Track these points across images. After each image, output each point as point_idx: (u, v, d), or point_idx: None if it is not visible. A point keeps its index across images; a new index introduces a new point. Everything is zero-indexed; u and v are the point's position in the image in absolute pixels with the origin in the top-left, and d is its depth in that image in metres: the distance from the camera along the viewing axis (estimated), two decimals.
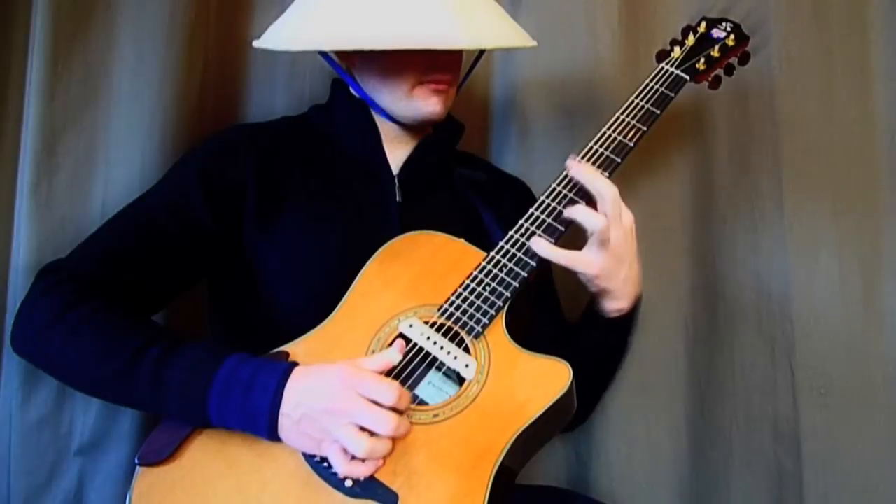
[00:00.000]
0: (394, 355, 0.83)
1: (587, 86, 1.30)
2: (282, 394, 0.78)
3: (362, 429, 0.76)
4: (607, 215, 0.90)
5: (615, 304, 0.96)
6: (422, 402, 0.85)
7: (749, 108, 1.32)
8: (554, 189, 0.95)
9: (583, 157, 0.97)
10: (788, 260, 1.28)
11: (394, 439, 0.78)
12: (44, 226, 1.04)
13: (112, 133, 1.09)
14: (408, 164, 1.06)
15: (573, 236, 0.94)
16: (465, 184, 1.11)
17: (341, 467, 0.77)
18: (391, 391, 0.77)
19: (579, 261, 0.92)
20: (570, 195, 0.94)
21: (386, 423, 0.76)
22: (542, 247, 0.91)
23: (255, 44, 1.01)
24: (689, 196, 1.32)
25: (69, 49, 1.06)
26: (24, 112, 1.06)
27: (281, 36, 1.00)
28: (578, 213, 0.91)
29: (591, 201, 0.93)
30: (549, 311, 1.12)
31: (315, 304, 0.91)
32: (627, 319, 0.99)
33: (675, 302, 1.31)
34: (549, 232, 0.93)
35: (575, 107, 1.29)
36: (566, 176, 0.96)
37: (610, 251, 0.91)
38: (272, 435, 0.79)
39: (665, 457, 1.28)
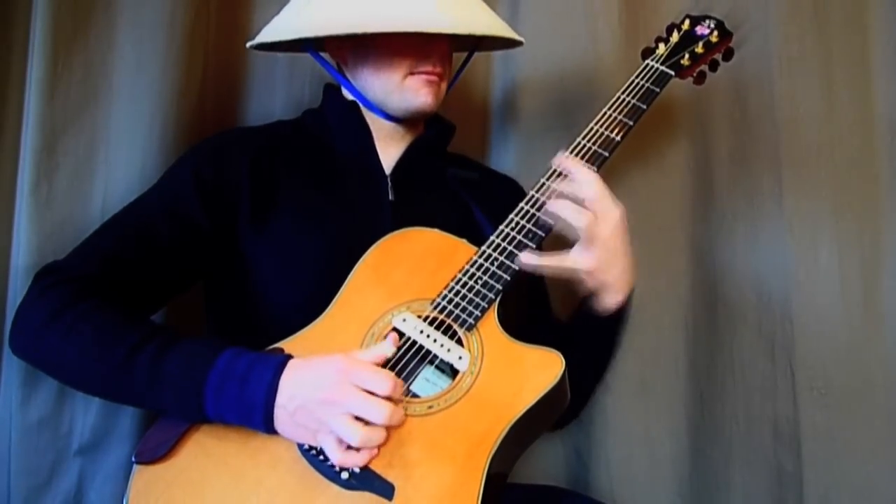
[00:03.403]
0: (387, 348, 0.84)
1: (586, 85, 1.30)
2: (277, 386, 0.79)
3: (357, 418, 0.77)
4: (594, 209, 0.91)
5: (613, 298, 0.96)
6: (416, 397, 0.85)
7: (749, 108, 1.32)
8: (543, 184, 0.96)
9: (571, 152, 0.98)
10: (788, 260, 1.28)
11: (388, 429, 0.79)
12: (44, 226, 1.04)
13: (112, 133, 1.09)
14: (400, 164, 1.07)
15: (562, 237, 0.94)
16: (457, 182, 1.11)
17: (336, 456, 0.77)
18: (386, 380, 0.78)
19: (571, 260, 0.92)
20: (559, 190, 0.95)
21: (380, 412, 0.77)
22: (530, 259, 0.91)
23: (249, 44, 1.02)
24: (689, 195, 1.32)
25: (69, 49, 1.06)
26: (24, 112, 1.06)
27: (273, 30, 1.02)
28: (563, 210, 0.91)
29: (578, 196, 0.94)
30: (537, 307, 1.13)
31: (309, 303, 0.91)
32: (622, 313, 0.99)
33: (675, 302, 1.31)
34: (538, 226, 0.93)
35: (574, 106, 1.29)
36: (554, 171, 0.97)
37: (602, 245, 0.91)
38: (268, 427, 0.79)
39: (665, 457, 1.29)
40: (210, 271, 1.02)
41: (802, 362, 1.26)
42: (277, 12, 1.04)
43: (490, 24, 1.03)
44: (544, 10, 1.30)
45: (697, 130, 1.33)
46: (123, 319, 0.85)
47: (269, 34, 1.02)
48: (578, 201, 0.92)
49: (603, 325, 0.99)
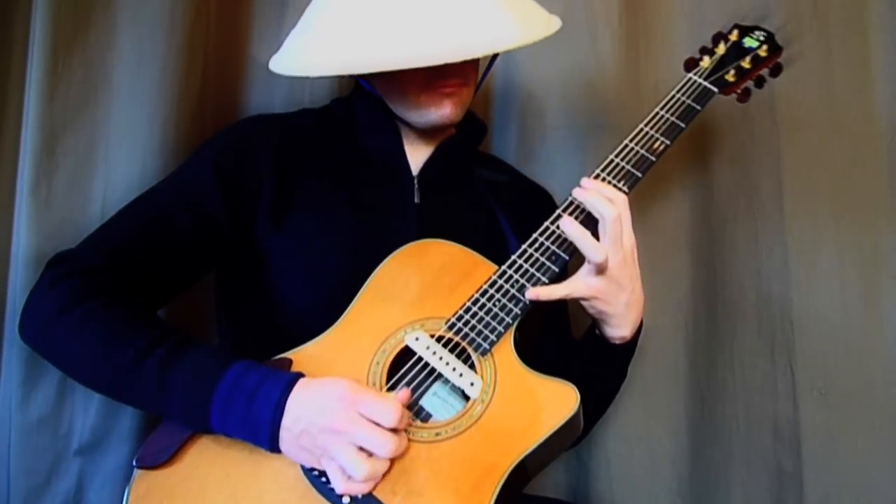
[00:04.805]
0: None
1: (587, 86, 1.29)
2: (284, 406, 0.77)
3: (361, 448, 0.75)
4: (608, 234, 0.87)
5: (617, 332, 0.93)
6: (426, 414, 0.84)
7: (749, 109, 1.31)
8: (571, 202, 0.92)
9: (602, 171, 0.94)
10: (788, 260, 1.28)
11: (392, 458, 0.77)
12: (44, 226, 1.04)
13: (112, 133, 1.09)
14: (428, 165, 1.04)
15: None
16: (485, 186, 1.08)
17: (339, 485, 0.75)
18: (393, 412, 0.76)
19: (575, 288, 0.89)
20: (587, 211, 0.90)
21: (385, 446, 0.75)
22: (535, 293, 0.87)
23: (272, 66, 0.97)
24: (689, 196, 1.32)
25: (69, 49, 1.06)
26: (24, 112, 1.06)
27: (288, 62, 0.96)
28: (579, 241, 0.87)
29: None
30: (555, 330, 1.08)
31: (326, 306, 0.89)
32: (629, 347, 0.97)
33: (675, 302, 1.31)
34: (563, 248, 0.90)
35: (575, 107, 1.29)
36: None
37: (608, 275, 0.87)
38: (273, 447, 0.78)
39: (665, 457, 1.29)
40: (225, 266, 0.99)
41: (802, 362, 1.26)
42: (278, 14, 1.03)
43: (509, 33, 0.91)
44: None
45: (697, 131, 1.33)
46: (133, 319, 0.84)
47: (281, 66, 0.96)
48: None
49: (604, 355, 0.97)
